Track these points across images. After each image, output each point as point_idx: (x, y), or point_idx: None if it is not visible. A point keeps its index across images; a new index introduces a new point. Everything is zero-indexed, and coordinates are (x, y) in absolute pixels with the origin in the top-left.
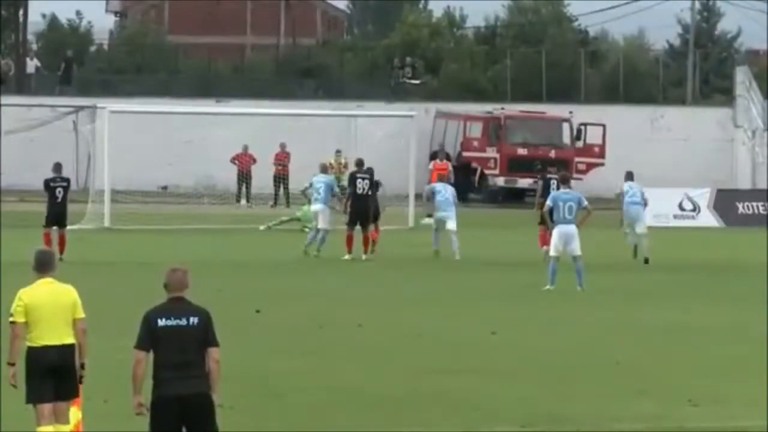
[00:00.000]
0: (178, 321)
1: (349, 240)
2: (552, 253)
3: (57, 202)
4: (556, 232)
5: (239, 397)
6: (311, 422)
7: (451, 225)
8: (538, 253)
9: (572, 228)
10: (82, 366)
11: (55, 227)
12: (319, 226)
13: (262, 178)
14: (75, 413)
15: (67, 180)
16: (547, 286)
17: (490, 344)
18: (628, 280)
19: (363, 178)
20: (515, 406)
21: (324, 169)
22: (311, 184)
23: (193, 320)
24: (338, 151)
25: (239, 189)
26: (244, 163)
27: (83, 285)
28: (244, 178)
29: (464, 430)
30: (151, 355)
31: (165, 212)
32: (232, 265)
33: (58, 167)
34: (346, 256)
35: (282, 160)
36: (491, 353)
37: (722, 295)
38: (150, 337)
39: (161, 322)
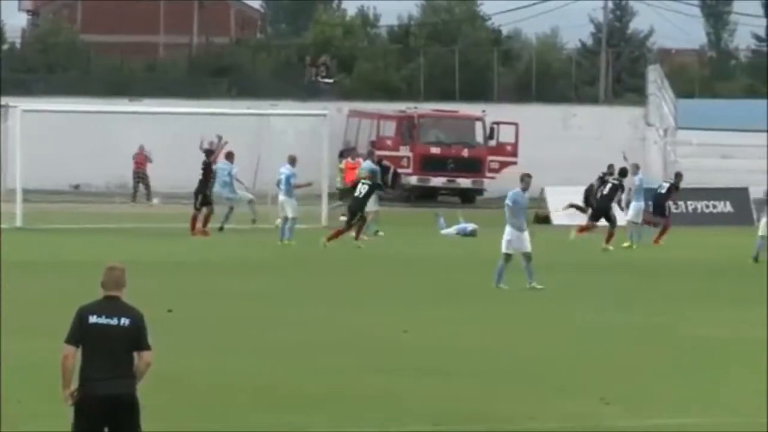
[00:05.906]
0: (109, 320)
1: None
2: (505, 250)
3: None
4: (509, 231)
5: (153, 396)
6: (229, 420)
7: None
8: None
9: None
10: None
11: None
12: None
13: (176, 177)
14: None
15: None
16: (502, 286)
17: (402, 342)
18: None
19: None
20: (431, 404)
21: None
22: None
23: (125, 321)
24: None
25: (135, 188)
26: (139, 163)
27: None
28: (140, 177)
29: (378, 430)
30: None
31: (77, 211)
32: (151, 265)
33: None
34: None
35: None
36: (408, 352)
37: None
38: (79, 333)
39: (92, 320)
